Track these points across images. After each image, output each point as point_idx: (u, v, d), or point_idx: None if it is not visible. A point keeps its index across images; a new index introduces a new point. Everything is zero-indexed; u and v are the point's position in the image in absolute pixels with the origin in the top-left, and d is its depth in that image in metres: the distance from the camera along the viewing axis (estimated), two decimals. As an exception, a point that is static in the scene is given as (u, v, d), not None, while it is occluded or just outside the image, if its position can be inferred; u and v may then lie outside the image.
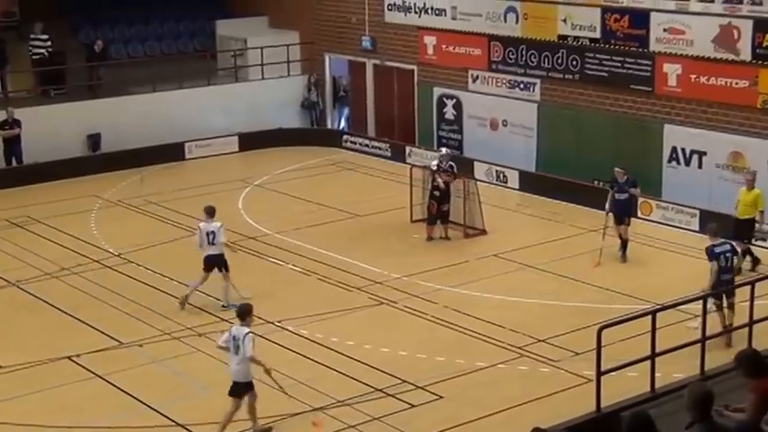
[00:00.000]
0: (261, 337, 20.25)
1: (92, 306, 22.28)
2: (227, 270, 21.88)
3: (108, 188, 31.29)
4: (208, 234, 21.71)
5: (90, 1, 39.15)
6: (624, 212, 24.67)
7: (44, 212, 28.78)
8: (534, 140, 31.48)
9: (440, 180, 26.19)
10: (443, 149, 28.22)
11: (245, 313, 16.74)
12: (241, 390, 16.58)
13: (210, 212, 22.01)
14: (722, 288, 18.77)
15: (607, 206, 24.42)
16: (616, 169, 24.91)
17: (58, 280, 24.03)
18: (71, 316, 21.71)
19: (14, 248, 26.25)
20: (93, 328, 21.05)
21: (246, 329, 16.51)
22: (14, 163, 32.60)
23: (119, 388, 18.36)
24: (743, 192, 23.54)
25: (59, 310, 22.16)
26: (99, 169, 32.82)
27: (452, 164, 26.88)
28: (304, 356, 19.62)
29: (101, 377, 18.69)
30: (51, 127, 33.06)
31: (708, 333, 16.01)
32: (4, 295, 23.34)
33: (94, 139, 34.31)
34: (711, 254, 19.13)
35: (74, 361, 19.40)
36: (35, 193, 30.55)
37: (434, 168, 26.59)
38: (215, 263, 21.81)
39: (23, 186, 31.47)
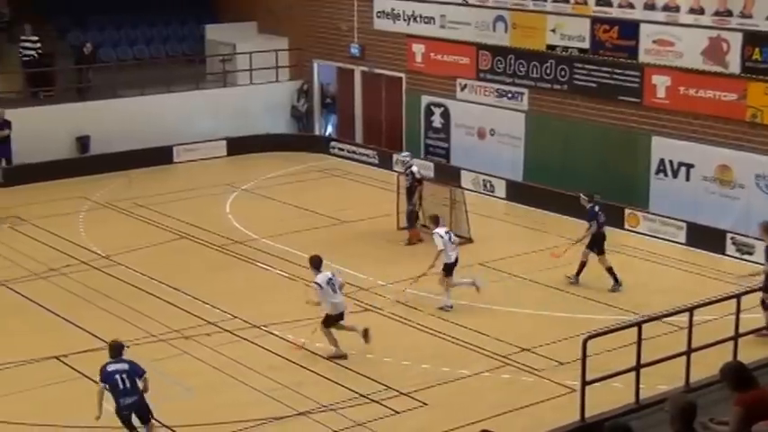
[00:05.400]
0: (246, 340, 20.44)
1: (79, 307, 22.31)
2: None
3: (96, 190, 31.27)
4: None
5: (79, 3, 39.13)
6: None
7: (33, 213, 28.80)
8: (522, 150, 31.55)
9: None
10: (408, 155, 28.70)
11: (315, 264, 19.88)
12: None
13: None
14: None
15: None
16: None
17: (45, 280, 24.06)
18: (59, 316, 21.74)
19: (3, 248, 26.30)
20: (80, 328, 21.08)
21: (317, 277, 19.64)
22: (4, 163, 32.62)
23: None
24: None
25: (47, 310, 22.20)
26: (87, 171, 32.84)
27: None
28: (289, 361, 19.68)
29: (88, 377, 18.64)
30: (40, 128, 33.03)
31: (695, 344, 16.05)
32: (-7, 295, 23.43)
33: (83, 142, 34.31)
34: None
35: (61, 361, 19.42)
36: (24, 193, 30.53)
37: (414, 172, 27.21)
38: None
39: (12, 187, 31.49)
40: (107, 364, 16.00)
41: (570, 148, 30.15)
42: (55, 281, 24.06)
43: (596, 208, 23.68)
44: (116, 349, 16.20)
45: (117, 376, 15.77)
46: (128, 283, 23.91)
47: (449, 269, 22.34)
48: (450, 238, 22.49)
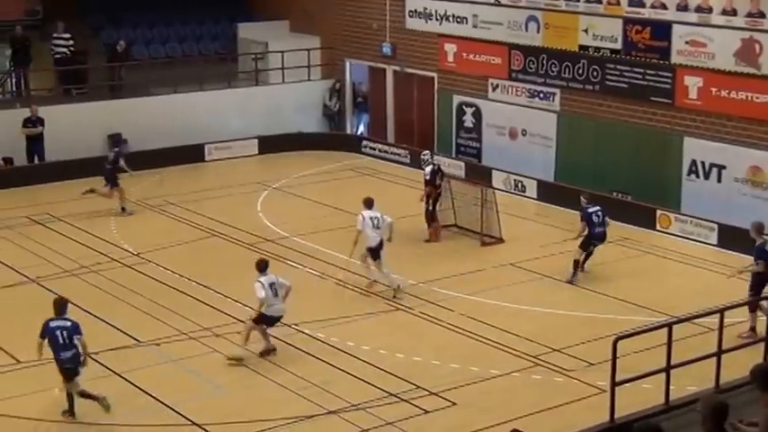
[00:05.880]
0: (277, 338, 20.46)
1: (111, 304, 22.44)
2: None
3: (128, 188, 31.33)
4: None
5: (112, 1, 39.36)
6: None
7: (65, 210, 28.93)
8: (553, 150, 31.54)
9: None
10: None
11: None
12: None
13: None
14: None
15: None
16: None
17: (77, 278, 24.22)
18: (90, 314, 21.77)
19: (35, 245, 26.45)
20: (111, 326, 21.19)
21: (260, 277, 19.63)
22: (36, 161, 32.82)
23: (136, 386, 18.50)
24: None
25: (78, 307, 22.02)
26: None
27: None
28: (319, 359, 19.74)
29: (119, 375, 18.81)
30: (72, 126, 33.21)
31: (725, 346, 16.02)
32: (24, 292, 23.53)
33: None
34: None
35: (92, 358, 19.39)
36: (56, 191, 30.69)
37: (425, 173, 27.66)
38: None
39: (45, 184, 31.66)
40: (50, 320, 17.17)
41: (602, 148, 30.10)
42: (86, 278, 24.21)
43: (590, 209, 23.74)
44: (61, 307, 17.37)
45: (57, 332, 16.99)
46: (159, 280, 24.03)
47: (371, 252, 23.04)
48: (375, 223, 22.99)
